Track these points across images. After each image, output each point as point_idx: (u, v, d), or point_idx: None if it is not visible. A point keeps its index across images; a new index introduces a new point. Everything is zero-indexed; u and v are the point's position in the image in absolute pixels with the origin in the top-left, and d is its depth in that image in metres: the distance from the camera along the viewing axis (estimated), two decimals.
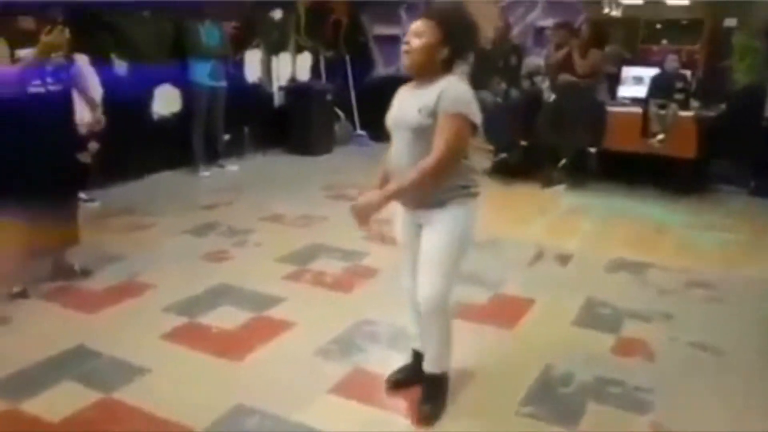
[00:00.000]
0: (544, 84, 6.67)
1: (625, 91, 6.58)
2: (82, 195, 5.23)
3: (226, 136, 6.83)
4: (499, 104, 6.45)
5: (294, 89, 7.86)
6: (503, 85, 6.59)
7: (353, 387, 2.67)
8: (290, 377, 2.74)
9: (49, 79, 3.38)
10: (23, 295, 3.48)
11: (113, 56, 5.72)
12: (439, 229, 2.30)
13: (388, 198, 2.25)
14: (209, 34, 6.26)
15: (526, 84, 6.94)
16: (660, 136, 6.05)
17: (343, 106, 8.32)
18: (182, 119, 6.42)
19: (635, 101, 6.35)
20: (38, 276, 3.66)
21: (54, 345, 2.93)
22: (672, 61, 6.27)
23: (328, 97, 7.83)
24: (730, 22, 6.59)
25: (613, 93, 6.56)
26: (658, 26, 7.33)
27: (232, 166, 6.74)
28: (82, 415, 2.44)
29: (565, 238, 4.77)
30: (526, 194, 6.06)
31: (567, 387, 2.71)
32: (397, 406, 2.54)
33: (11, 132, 3.28)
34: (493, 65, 6.54)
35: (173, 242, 4.46)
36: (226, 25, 6.56)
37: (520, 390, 2.67)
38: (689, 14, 6.97)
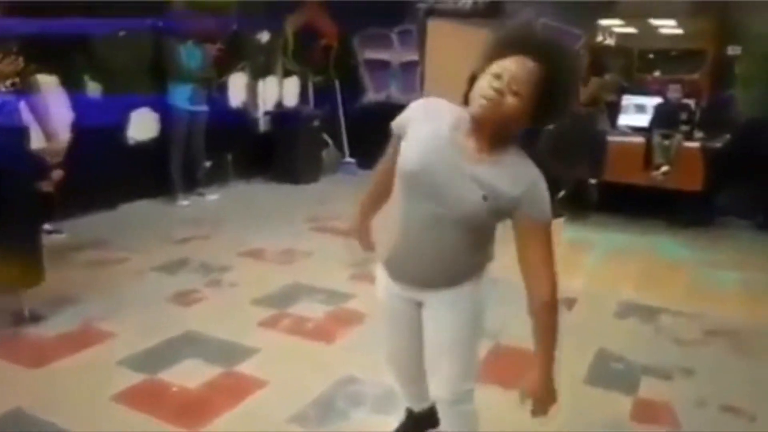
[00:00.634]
0: None
1: (625, 119, 6.32)
2: (46, 226, 4.85)
3: (208, 163, 6.47)
4: None
5: (280, 115, 7.52)
6: None
7: None
8: None
9: None
10: None
11: (86, 78, 5.36)
12: (452, 310, 1.79)
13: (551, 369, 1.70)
14: (190, 55, 5.93)
15: None
16: (664, 168, 5.77)
17: (332, 133, 8.01)
18: (160, 145, 6.05)
19: (636, 130, 6.08)
20: None
21: None
22: (674, 91, 6.04)
23: (316, 123, 7.49)
24: (734, 50, 6.35)
25: (613, 121, 6.29)
26: (651, 56, 7.18)
27: (213, 195, 6.36)
28: None
29: (568, 278, 4.39)
30: None
31: None
32: None
33: None
34: None
35: (140, 281, 4.05)
36: (209, 47, 6.24)
37: None
38: (689, 43, 6.76)
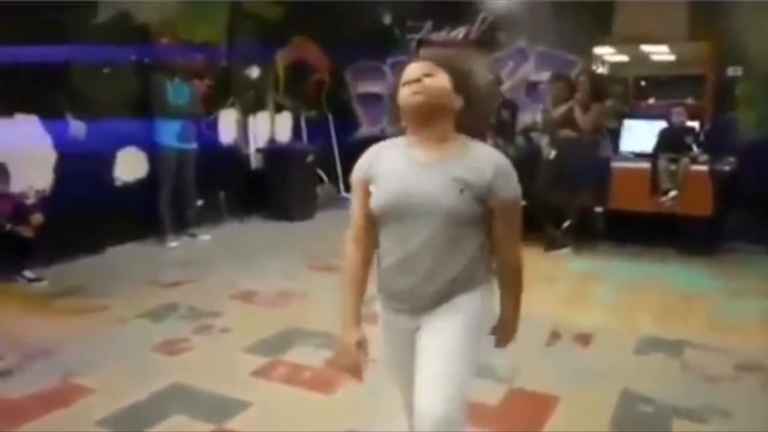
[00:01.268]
0: (543, 140, 6.20)
1: (627, 145, 6.15)
2: (26, 273, 4.61)
3: (200, 202, 6.24)
4: None
5: (273, 151, 7.33)
6: (498, 142, 6.11)
7: None
8: None
9: None
10: None
11: (68, 116, 5.16)
12: (454, 319, 1.73)
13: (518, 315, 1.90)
14: (178, 91, 5.74)
15: (520, 140, 6.49)
16: (672, 193, 5.56)
17: (326, 168, 7.82)
18: (148, 185, 5.83)
19: (640, 156, 5.90)
20: None
21: None
22: (678, 114, 5.87)
23: (310, 158, 7.28)
24: (735, 71, 6.22)
25: (615, 147, 6.12)
26: (652, 81, 7.14)
27: (204, 236, 6.10)
28: None
29: (582, 312, 4.16)
30: (529, 259, 5.34)
31: None
32: None
33: None
34: None
35: (124, 329, 3.77)
36: (198, 83, 6.07)
37: None
38: (689, 67, 6.65)
